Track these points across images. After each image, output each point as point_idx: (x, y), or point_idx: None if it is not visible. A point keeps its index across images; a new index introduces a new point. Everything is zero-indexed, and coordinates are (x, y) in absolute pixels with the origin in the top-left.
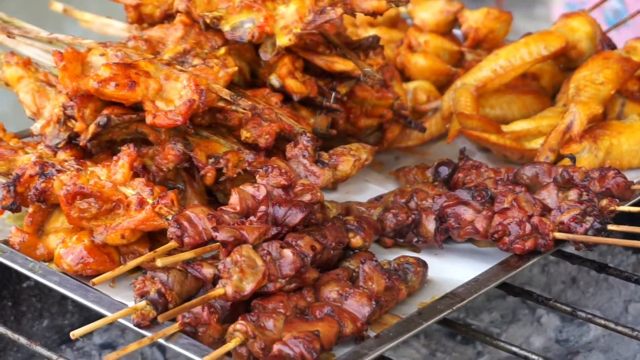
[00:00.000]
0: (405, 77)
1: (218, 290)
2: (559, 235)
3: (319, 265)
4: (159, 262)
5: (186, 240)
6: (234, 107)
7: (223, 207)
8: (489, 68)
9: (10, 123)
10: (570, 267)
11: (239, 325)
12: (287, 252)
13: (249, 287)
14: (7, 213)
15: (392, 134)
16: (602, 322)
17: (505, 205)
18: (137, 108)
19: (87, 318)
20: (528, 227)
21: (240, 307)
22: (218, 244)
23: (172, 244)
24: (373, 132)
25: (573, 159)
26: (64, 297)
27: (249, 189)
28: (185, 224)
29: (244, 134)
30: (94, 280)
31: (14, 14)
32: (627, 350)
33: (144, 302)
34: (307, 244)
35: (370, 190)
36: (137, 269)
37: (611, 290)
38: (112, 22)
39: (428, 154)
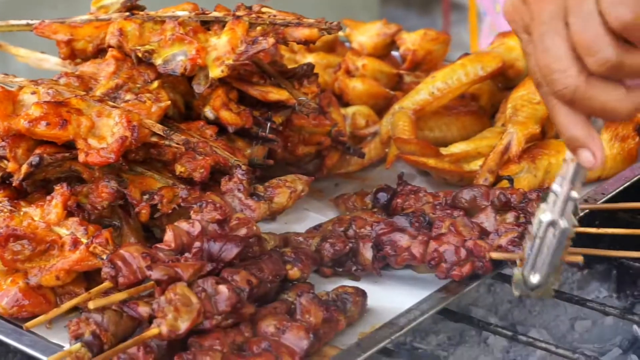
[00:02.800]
0: (344, 102)
1: (152, 330)
2: (494, 255)
3: (256, 299)
4: (91, 305)
5: (120, 280)
6: (167, 142)
7: (158, 245)
8: (427, 91)
9: None
10: None
11: None
12: (223, 288)
13: (184, 325)
14: None
15: (331, 160)
16: (543, 345)
17: (443, 231)
18: (70, 146)
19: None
20: (463, 252)
21: (177, 345)
22: (152, 282)
23: (107, 284)
24: (312, 159)
25: (511, 180)
26: None
27: (183, 225)
28: (119, 263)
29: (179, 169)
30: (27, 324)
31: None
32: None
33: (78, 345)
34: (243, 279)
35: (310, 218)
36: (75, 308)
37: (557, 309)
38: (47, 57)
39: (368, 180)
